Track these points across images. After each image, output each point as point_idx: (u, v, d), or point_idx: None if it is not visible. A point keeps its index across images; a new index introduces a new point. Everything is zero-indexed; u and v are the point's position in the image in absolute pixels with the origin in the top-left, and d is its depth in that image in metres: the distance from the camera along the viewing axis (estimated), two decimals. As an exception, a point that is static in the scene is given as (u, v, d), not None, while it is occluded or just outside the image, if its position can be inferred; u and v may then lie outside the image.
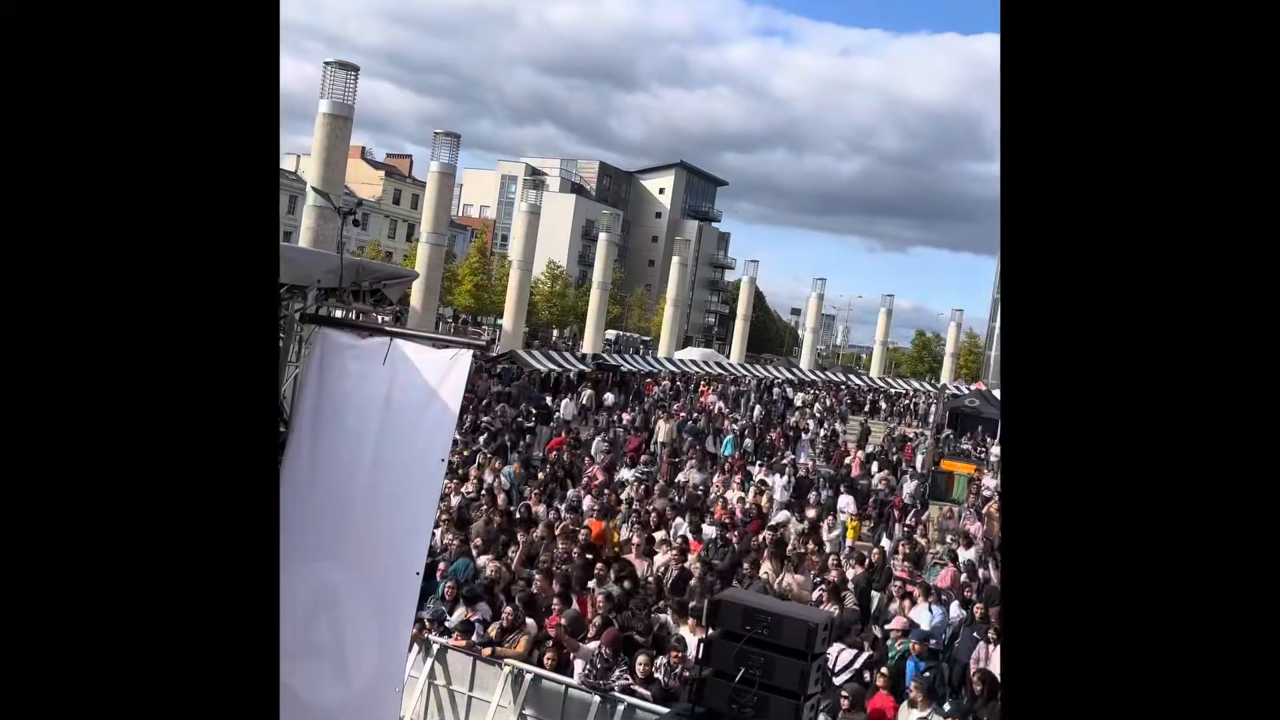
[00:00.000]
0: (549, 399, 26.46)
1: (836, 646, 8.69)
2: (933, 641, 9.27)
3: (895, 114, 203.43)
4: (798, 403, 36.13)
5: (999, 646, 8.89)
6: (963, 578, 12.11)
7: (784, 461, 20.21)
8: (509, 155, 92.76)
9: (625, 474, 17.63)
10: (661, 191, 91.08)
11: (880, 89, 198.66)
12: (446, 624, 8.66)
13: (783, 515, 15.44)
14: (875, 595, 11.46)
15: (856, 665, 8.22)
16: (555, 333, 57.78)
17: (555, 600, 8.91)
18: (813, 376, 47.18)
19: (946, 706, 7.72)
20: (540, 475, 15.91)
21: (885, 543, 15.30)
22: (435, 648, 8.36)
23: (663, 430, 22.55)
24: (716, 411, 29.16)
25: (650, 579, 10.23)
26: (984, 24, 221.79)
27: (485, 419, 21.33)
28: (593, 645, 8.02)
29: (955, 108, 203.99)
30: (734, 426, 25.67)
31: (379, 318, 5.17)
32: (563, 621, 8.58)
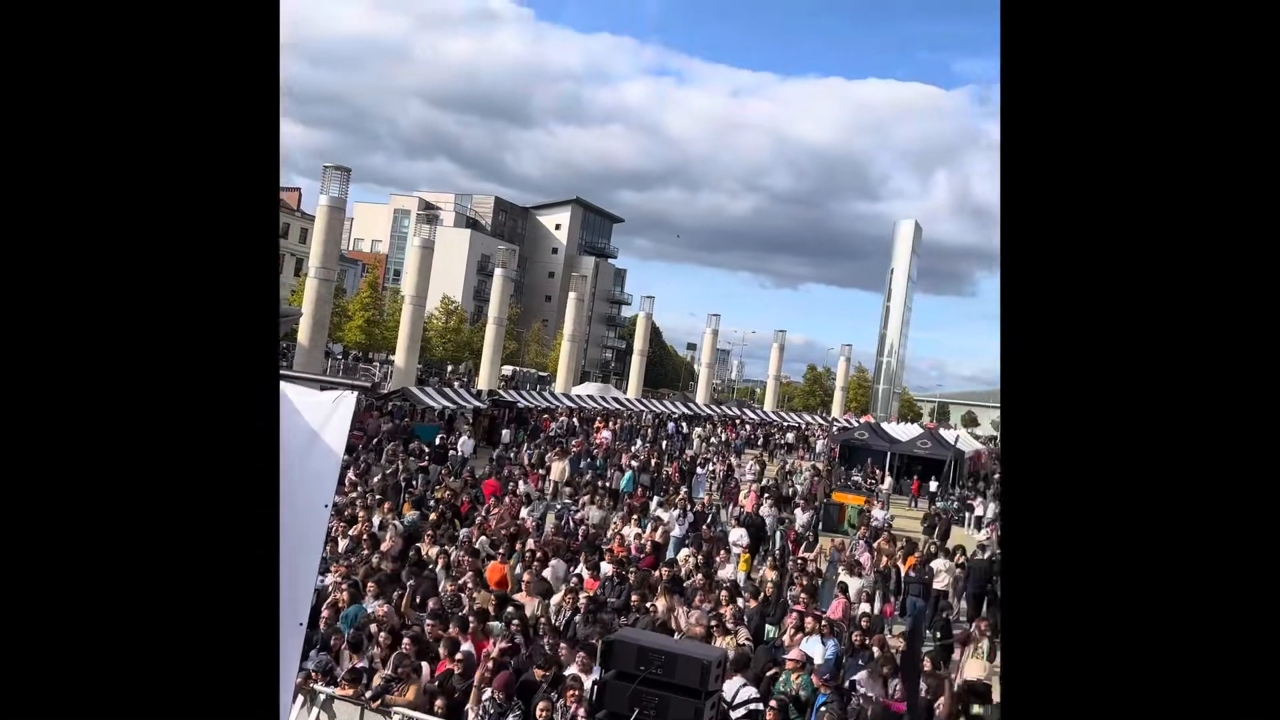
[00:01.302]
0: (443, 437, 25.98)
1: (737, 680, 8.73)
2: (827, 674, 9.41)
3: (785, 154, 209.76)
4: (694, 437, 36.47)
5: (883, 676, 9.10)
6: (860, 609, 12.37)
7: (680, 497, 20.33)
8: (402, 189, 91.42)
9: (522, 513, 17.43)
10: (558, 227, 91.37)
11: (771, 129, 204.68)
12: (335, 673, 8.35)
13: (681, 552, 15.50)
14: (769, 628, 11.58)
15: (752, 703, 8.26)
16: (450, 369, 56.95)
17: (445, 645, 8.71)
18: (708, 411, 47.75)
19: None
20: (433, 516, 15.58)
21: (779, 575, 15.53)
22: (321, 697, 8.04)
23: (556, 468, 22.39)
24: (613, 447, 29.17)
25: (544, 619, 10.09)
26: (867, 70, 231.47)
27: (365, 458, 20.80)
28: (486, 690, 7.85)
29: (842, 149, 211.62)
30: (632, 462, 25.71)
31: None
32: (454, 667, 8.38)
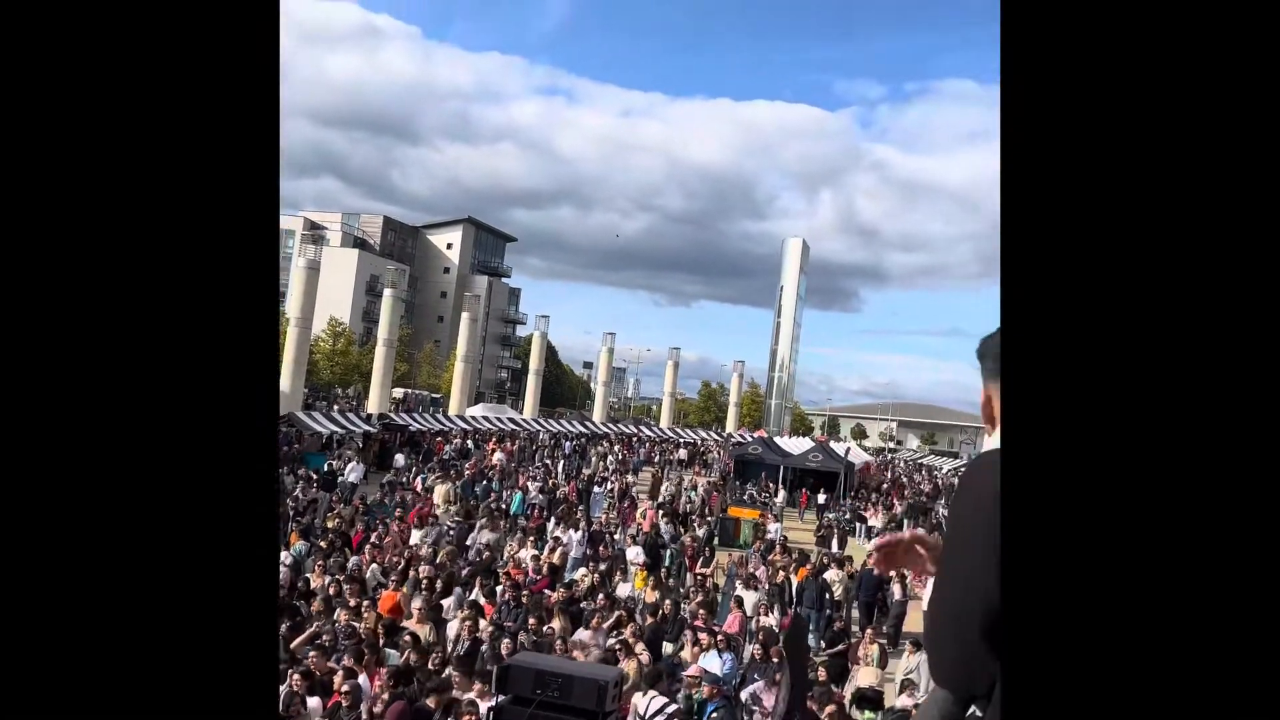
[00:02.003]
0: (331, 463, 25.24)
1: (649, 695, 8.73)
2: (724, 686, 9.49)
3: (677, 174, 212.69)
4: (591, 456, 36.44)
5: (777, 685, 9.23)
6: (756, 622, 12.53)
7: (577, 516, 20.26)
8: (287, 209, 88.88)
9: (414, 537, 17.06)
10: (449, 247, 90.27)
11: (662, 150, 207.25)
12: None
13: (579, 571, 15.43)
14: (668, 645, 11.63)
15: (669, 709, 8.25)
16: (338, 392, 55.44)
17: (339, 677, 8.43)
18: (605, 429, 47.79)
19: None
20: (322, 545, 15.10)
21: (676, 592, 15.62)
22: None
23: (439, 492, 21.96)
24: (509, 469, 28.89)
25: (439, 646, 9.88)
26: (754, 92, 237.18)
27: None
28: (379, 723, 7.63)
29: (731, 170, 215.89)
30: (529, 483, 25.51)
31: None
32: (344, 700, 8.12)
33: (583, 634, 10.74)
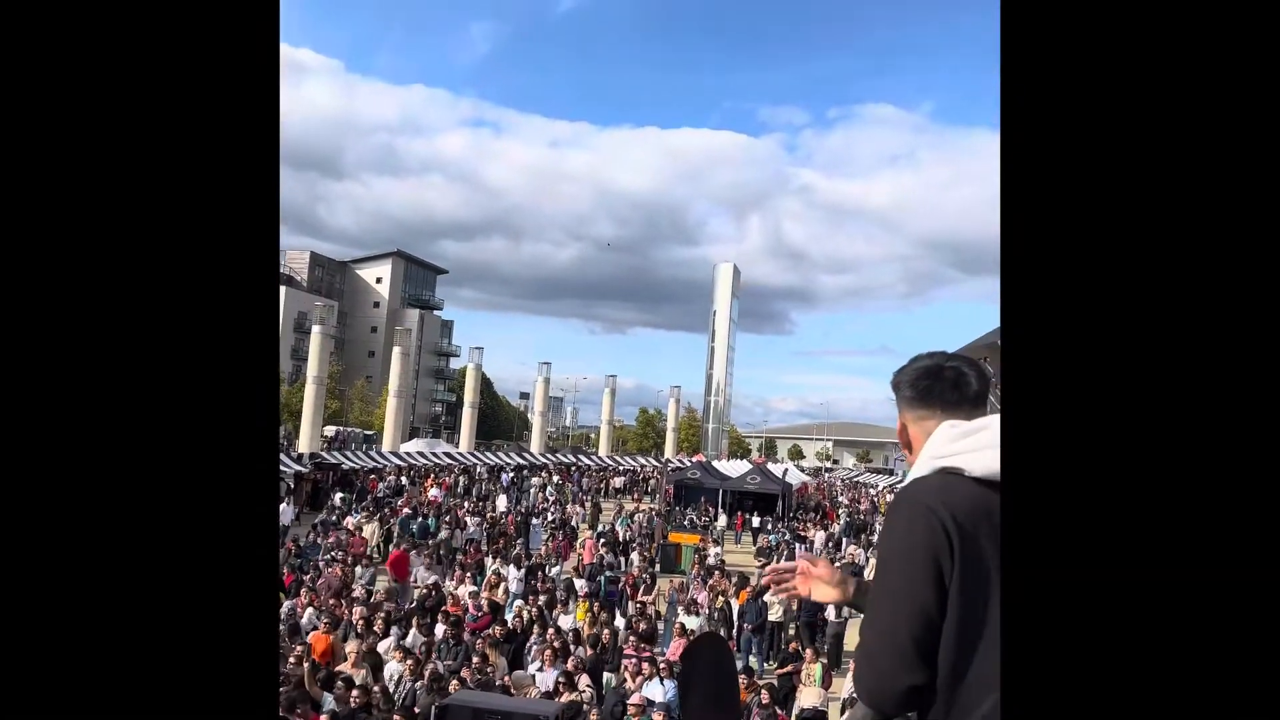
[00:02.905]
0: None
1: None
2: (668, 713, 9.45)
3: (606, 203, 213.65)
4: (530, 488, 36.13)
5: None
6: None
7: (516, 550, 20.05)
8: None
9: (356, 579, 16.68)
10: (379, 281, 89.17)
11: (590, 179, 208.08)
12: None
13: (515, 603, 15.25)
14: (608, 675, 11.54)
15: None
16: (269, 433, 54.09)
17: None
18: (544, 459, 47.47)
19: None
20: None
21: (619, 620, 15.53)
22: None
23: (367, 530, 21.54)
24: (444, 504, 28.47)
25: (378, 689, 9.65)
26: (680, 119, 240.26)
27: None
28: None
29: (661, 197, 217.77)
30: (468, 518, 25.17)
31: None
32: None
33: (525, 671, 10.60)
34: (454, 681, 9.87)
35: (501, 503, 31.31)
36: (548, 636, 12.00)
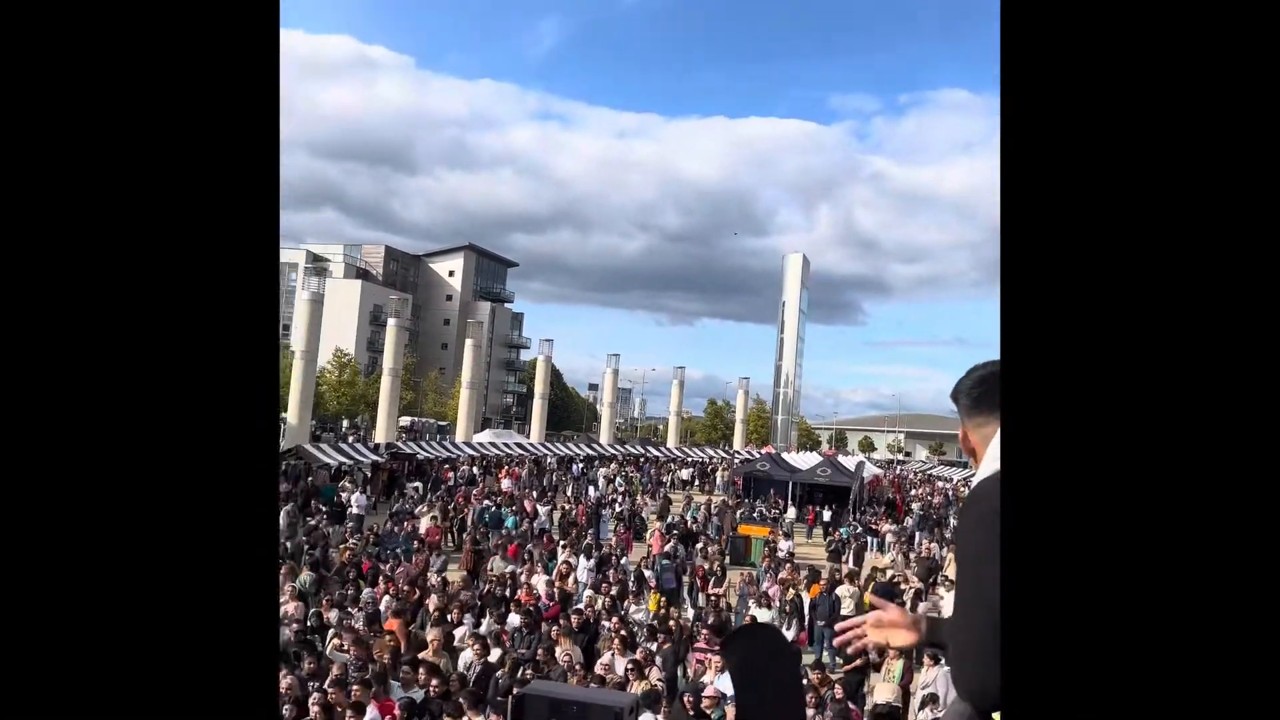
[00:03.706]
0: (341, 495, 25.22)
1: (646, 717, 8.72)
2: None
3: (673, 193, 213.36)
4: (599, 479, 36.38)
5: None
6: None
7: (587, 541, 20.22)
8: (289, 242, 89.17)
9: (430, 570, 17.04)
10: (451, 274, 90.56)
11: (658, 169, 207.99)
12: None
13: (586, 594, 15.40)
14: (683, 667, 11.59)
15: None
16: (345, 423, 55.49)
17: (351, 712, 8.42)
18: (612, 451, 47.73)
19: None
20: (333, 578, 15.10)
21: (689, 612, 15.58)
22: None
23: (426, 520, 21.90)
24: (516, 494, 28.85)
25: (455, 676, 9.86)
26: (747, 109, 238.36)
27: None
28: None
29: (728, 186, 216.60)
30: (539, 507, 25.49)
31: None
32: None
33: (600, 659, 10.71)
34: (529, 670, 10.03)
35: (571, 492, 31.61)
36: (614, 625, 12.10)
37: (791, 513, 30.94)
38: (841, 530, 27.46)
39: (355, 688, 8.76)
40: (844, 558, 22.32)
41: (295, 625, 11.63)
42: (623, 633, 11.67)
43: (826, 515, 30.53)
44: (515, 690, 7.61)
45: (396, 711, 8.47)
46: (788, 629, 14.77)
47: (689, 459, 48.02)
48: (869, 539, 27.07)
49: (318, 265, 45.78)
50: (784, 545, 22.61)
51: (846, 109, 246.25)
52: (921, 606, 14.69)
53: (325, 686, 8.96)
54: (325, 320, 38.13)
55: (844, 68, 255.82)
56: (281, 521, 20.31)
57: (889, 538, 26.74)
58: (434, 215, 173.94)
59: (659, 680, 9.99)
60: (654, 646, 11.63)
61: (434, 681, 9.18)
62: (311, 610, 12.81)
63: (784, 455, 41.44)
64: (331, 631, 11.63)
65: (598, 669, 10.62)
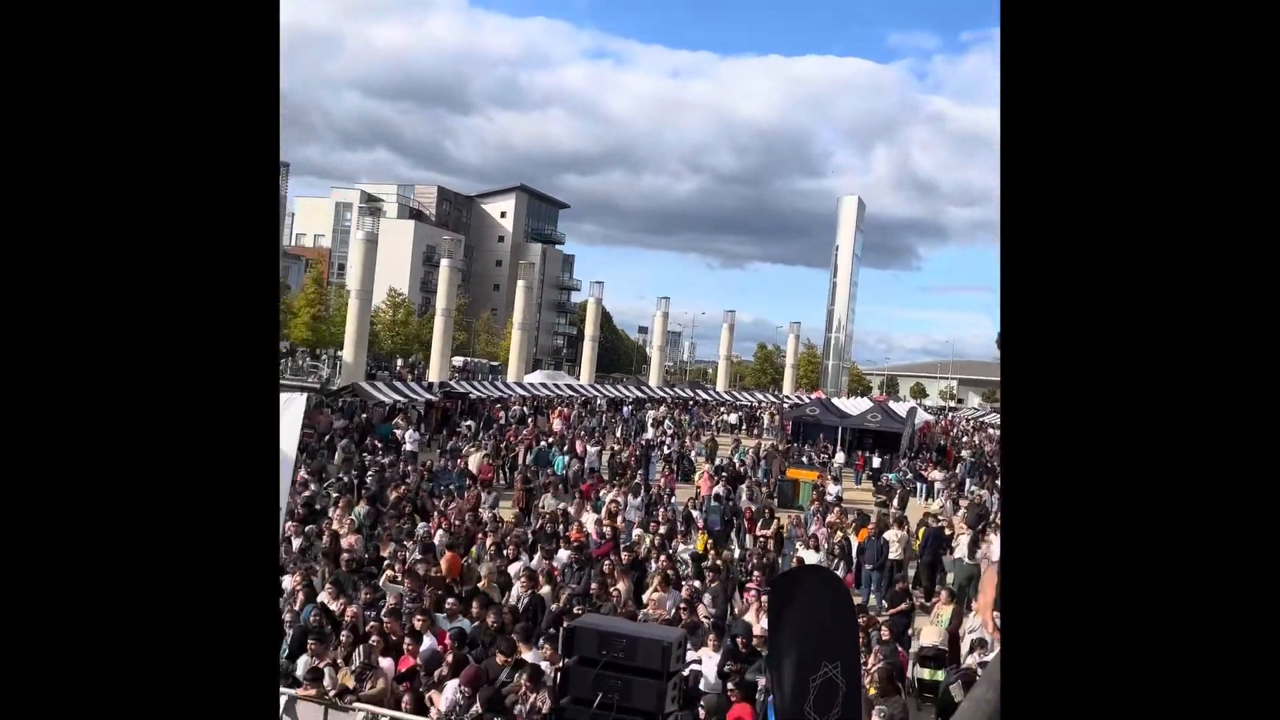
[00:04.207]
0: (395, 431, 25.73)
1: (704, 652, 8.89)
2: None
3: (727, 133, 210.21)
4: (648, 421, 36.60)
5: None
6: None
7: (636, 481, 20.43)
8: (342, 182, 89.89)
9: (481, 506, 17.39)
10: (503, 215, 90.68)
11: (712, 109, 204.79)
12: (295, 674, 8.30)
13: (635, 532, 15.61)
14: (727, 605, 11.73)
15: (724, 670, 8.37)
16: (399, 362, 56.36)
17: (408, 640, 8.70)
18: (662, 394, 47.91)
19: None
20: (389, 512, 15.49)
21: (737, 553, 15.73)
22: (283, 700, 7.99)
23: (473, 460, 22.22)
24: (567, 434, 29.18)
25: (506, 610, 10.12)
26: (806, 47, 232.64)
27: (319, 456, 20.57)
28: (451, 683, 7.88)
29: (783, 126, 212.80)
30: (590, 448, 25.76)
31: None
32: (418, 661, 8.38)
33: (647, 595, 10.90)
34: (578, 605, 10.25)
35: (620, 434, 31.89)
36: (666, 565, 12.27)
37: (840, 458, 30.88)
38: (890, 476, 27.36)
39: (417, 618, 9.03)
40: (892, 503, 22.27)
41: (350, 560, 11.97)
42: (670, 571, 11.83)
43: (876, 461, 30.42)
44: (565, 623, 7.78)
45: (448, 640, 8.73)
46: (840, 571, 14.83)
47: (737, 403, 48.04)
48: (918, 485, 26.95)
49: (372, 205, 46.14)
50: (833, 489, 22.63)
51: (905, 47, 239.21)
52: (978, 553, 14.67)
53: (382, 616, 9.25)
54: (380, 260, 38.53)
55: (904, 3, 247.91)
56: (338, 457, 20.81)
57: (937, 484, 26.59)
58: (486, 155, 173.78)
59: (706, 618, 10.14)
60: (699, 584, 11.79)
61: (486, 614, 9.43)
62: (370, 544, 13.18)
63: (834, 400, 41.22)
64: (386, 563, 11.95)
65: (646, 605, 10.81)
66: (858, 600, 14.31)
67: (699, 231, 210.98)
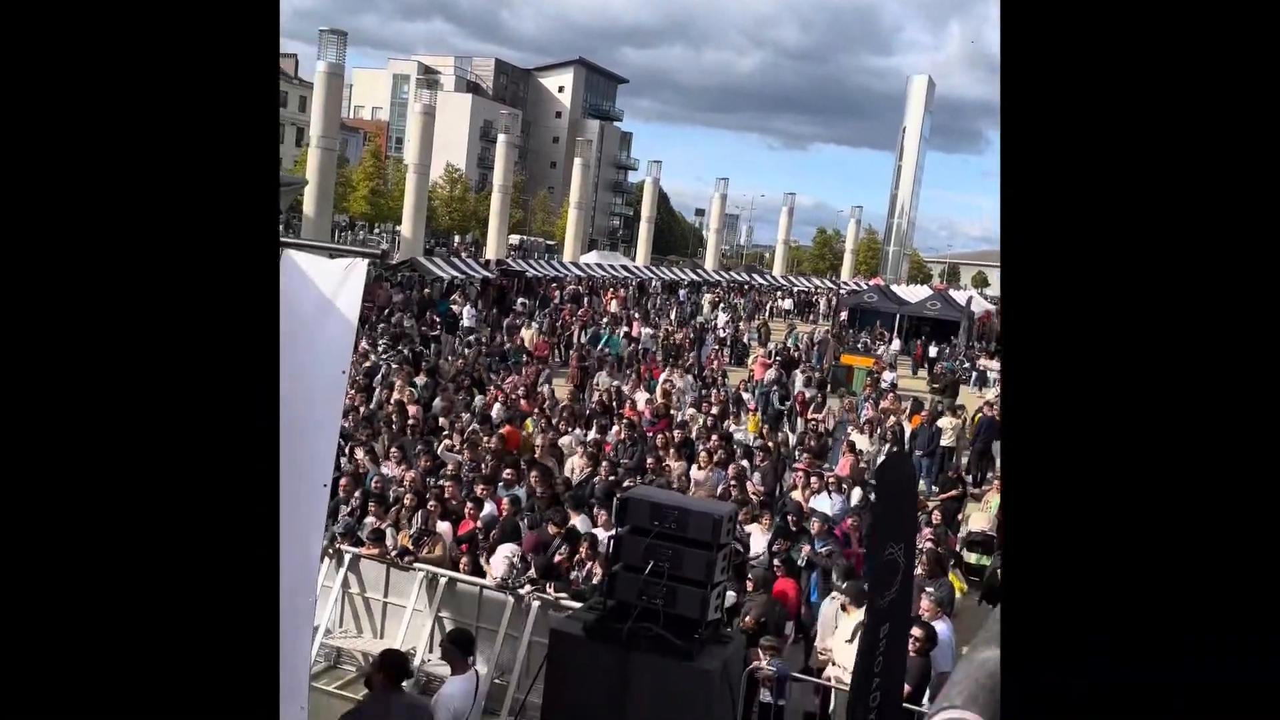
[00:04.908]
0: (453, 307, 26.08)
1: (753, 528, 9.08)
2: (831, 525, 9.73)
3: (793, 5, 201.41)
4: (703, 304, 36.54)
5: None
6: (861, 464, 12.67)
7: (689, 362, 20.54)
8: (399, 53, 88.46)
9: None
10: (561, 90, 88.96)
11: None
12: (359, 535, 8.68)
13: (688, 411, 15.78)
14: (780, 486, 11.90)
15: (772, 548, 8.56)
16: (457, 239, 56.61)
17: (469, 505, 9.00)
18: (717, 277, 47.62)
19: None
20: (448, 384, 15.83)
21: (791, 436, 15.85)
22: (348, 558, 8.39)
23: (526, 335, 22.47)
24: (622, 315, 29.29)
25: (560, 480, 10.39)
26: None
27: (379, 328, 20.95)
28: (506, 547, 8.17)
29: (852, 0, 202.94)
30: (645, 329, 25.88)
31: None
32: (477, 525, 8.69)
33: (696, 472, 11.09)
34: (631, 479, 10.48)
35: (675, 316, 31.92)
36: (719, 444, 12.43)
37: (896, 345, 30.62)
38: (946, 365, 27.11)
39: (479, 486, 9.32)
40: (947, 391, 22.12)
41: (411, 428, 12.31)
42: (721, 451, 11.98)
43: (933, 351, 30.11)
44: (618, 494, 7.96)
45: (505, 506, 9.02)
46: (882, 455, 14.90)
47: (794, 288, 47.59)
48: (974, 374, 26.69)
49: (429, 77, 45.51)
50: (887, 376, 22.52)
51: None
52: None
53: (441, 482, 9.57)
54: (437, 134, 38.21)
55: None
56: (397, 330, 21.20)
57: (991, 374, 26.30)
58: (543, 26, 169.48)
59: (756, 495, 10.31)
60: (748, 464, 11.94)
61: (542, 483, 9.68)
62: (430, 414, 13.53)
63: (893, 287, 40.62)
64: (445, 434, 12.28)
65: (697, 482, 11.01)
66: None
67: (760, 110, 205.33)
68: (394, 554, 8.30)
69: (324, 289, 4.08)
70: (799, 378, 20.78)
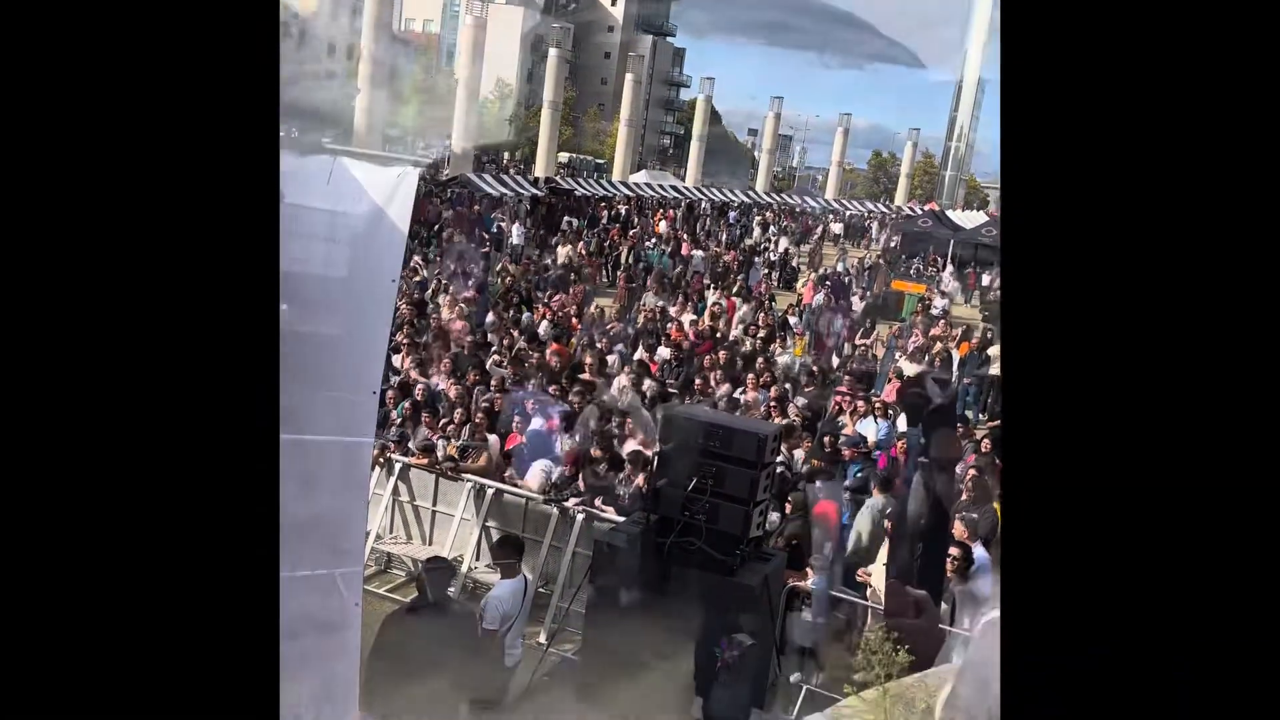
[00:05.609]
0: (500, 224, 26.08)
1: (796, 451, 9.12)
2: (876, 452, 9.73)
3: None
4: (754, 226, 36.09)
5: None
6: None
7: (738, 285, 20.40)
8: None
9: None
10: (613, 2, 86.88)
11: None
12: (409, 444, 8.87)
13: (734, 332, 15.75)
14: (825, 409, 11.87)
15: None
16: (506, 156, 56.26)
17: (517, 419, 9.13)
18: (769, 199, 46.90)
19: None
20: (497, 301, 15.94)
21: (835, 360, 15.77)
22: (398, 467, 8.60)
23: (561, 253, 22.41)
24: (669, 236, 29.07)
25: (607, 397, 10.47)
26: None
27: (430, 243, 21.06)
28: (543, 461, 8.30)
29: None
30: (695, 251, 25.69)
31: (320, 137, 5.00)
32: (523, 440, 8.82)
33: (741, 394, 11.10)
34: (677, 398, 10.52)
35: (724, 238, 31.60)
36: (764, 366, 12.41)
37: (949, 271, 30.06)
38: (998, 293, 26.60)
39: (529, 402, 9.43)
40: (999, 319, 21.77)
41: (460, 341, 12.45)
42: (767, 374, 11.97)
43: (986, 279, 29.49)
44: (663, 412, 8.02)
45: (556, 421, 9.14)
46: (929, 381, 14.76)
47: (847, 211, 46.75)
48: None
49: (480, -10, 44.62)
50: (939, 303, 22.19)
51: None
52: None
53: (492, 395, 9.70)
54: (487, 49, 37.68)
55: None
56: (445, 246, 21.30)
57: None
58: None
59: (797, 417, 10.31)
60: (790, 387, 11.92)
61: (588, 400, 9.77)
62: (478, 328, 13.66)
63: (948, 213, 39.68)
64: (494, 350, 12.41)
65: (742, 403, 11.03)
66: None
67: (818, 24, 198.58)
68: (443, 464, 8.49)
69: (376, 197, 4.08)
70: (857, 304, 20.54)
